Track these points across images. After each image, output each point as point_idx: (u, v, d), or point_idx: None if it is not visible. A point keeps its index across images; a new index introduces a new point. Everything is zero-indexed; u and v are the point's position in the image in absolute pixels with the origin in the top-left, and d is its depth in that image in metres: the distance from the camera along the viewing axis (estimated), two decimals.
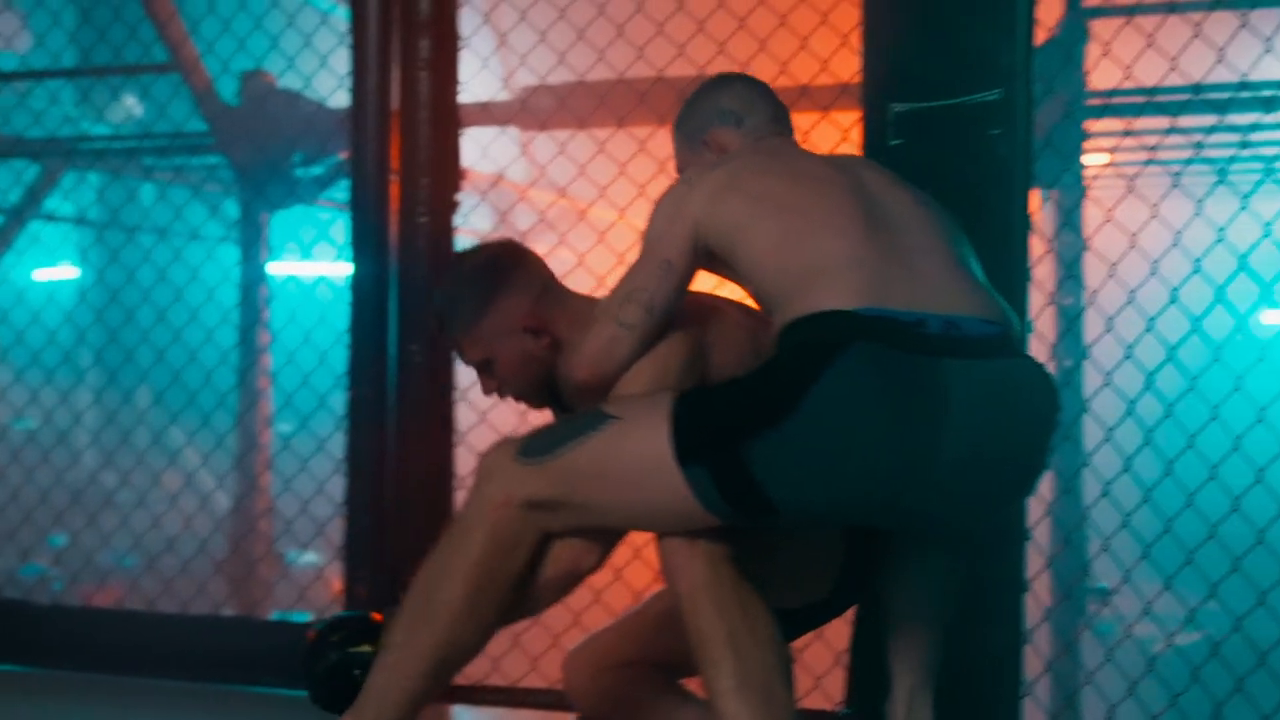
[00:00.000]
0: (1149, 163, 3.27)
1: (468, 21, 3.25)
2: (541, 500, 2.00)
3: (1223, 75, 2.63)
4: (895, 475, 1.87)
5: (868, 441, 1.84)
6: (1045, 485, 2.74)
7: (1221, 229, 2.55)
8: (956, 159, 2.51)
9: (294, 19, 3.67)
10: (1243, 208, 2.63)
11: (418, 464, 3.06)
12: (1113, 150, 4.97)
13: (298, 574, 4.10)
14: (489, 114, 3.44)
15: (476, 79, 3.42)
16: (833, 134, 2.88)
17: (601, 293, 2.19)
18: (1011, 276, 2.46)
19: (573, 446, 1.97)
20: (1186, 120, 2.85)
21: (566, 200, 3.59)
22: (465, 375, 3.11)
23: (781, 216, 2.02)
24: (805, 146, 2.96)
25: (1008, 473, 1.97)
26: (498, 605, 2.04)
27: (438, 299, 2.31)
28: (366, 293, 3.06)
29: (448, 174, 3.03)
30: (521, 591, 2.06)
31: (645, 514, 1.99)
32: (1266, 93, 2.61)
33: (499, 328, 2.23)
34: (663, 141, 3.10)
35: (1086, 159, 5.70)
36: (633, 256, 3.13)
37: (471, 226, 4.66)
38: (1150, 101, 2.68)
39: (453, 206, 3.04)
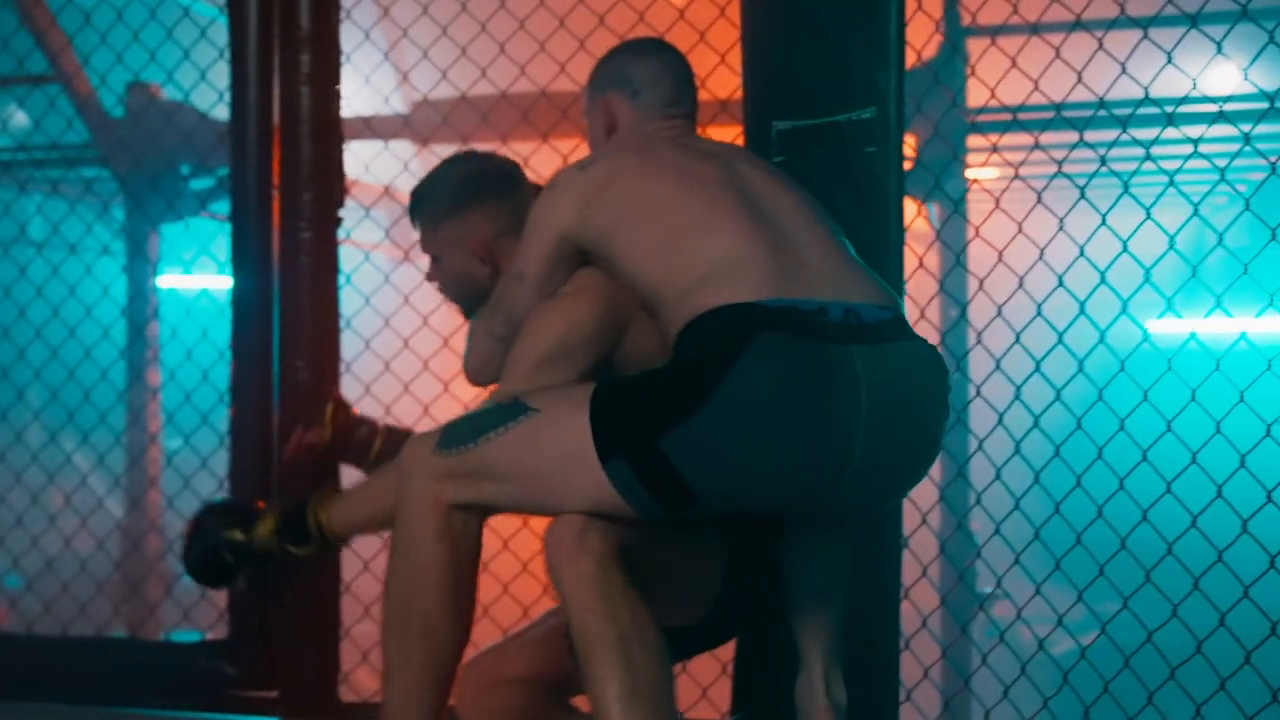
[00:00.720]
0: (1046, 177, 3.31)
1: (358, 35, 3.25)
2: (465, 501, 2.04)
3: (1127, 90, 2.70)
4: (814, 460, 1.91)
5: (785, 428, 1.89)
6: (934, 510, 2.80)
7: (1081, 246, 2.63)
8: (836, 175, 2.54)
9: (175, 29, 3.62)
10: (1141, 223, 2.69)
11: (303, 482, 3.03)
12: (1019, 164, 5.07)
13: (185, 593, 4.03)
14: (374, 128, 3.42)
15: (363, 93, 3.42)
16: None
17: None
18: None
19: (491, 438, 2.00)
20: (1090, 135, 2.91)
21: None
22: (351, 391, 3.10)
23: (661, 218, 2.06)
24: None
25: (910, 455, 2.02)
26: (471, 588, 2.11)
27: (422, 181, 2.39)
28: (248, 308, 3.03)
29: (330, 188, 3.01)
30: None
31: (562, 505, 1.99)
32: (1120, 111, 2.69)
33: (454, 237, 2.34)
34: (546, 157, 3.14)
35: (984, 171, 5.82)
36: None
37: (362, 238, 4.63)
38: (1014, 119, 2.74)
39: (335, 221, 3.03)
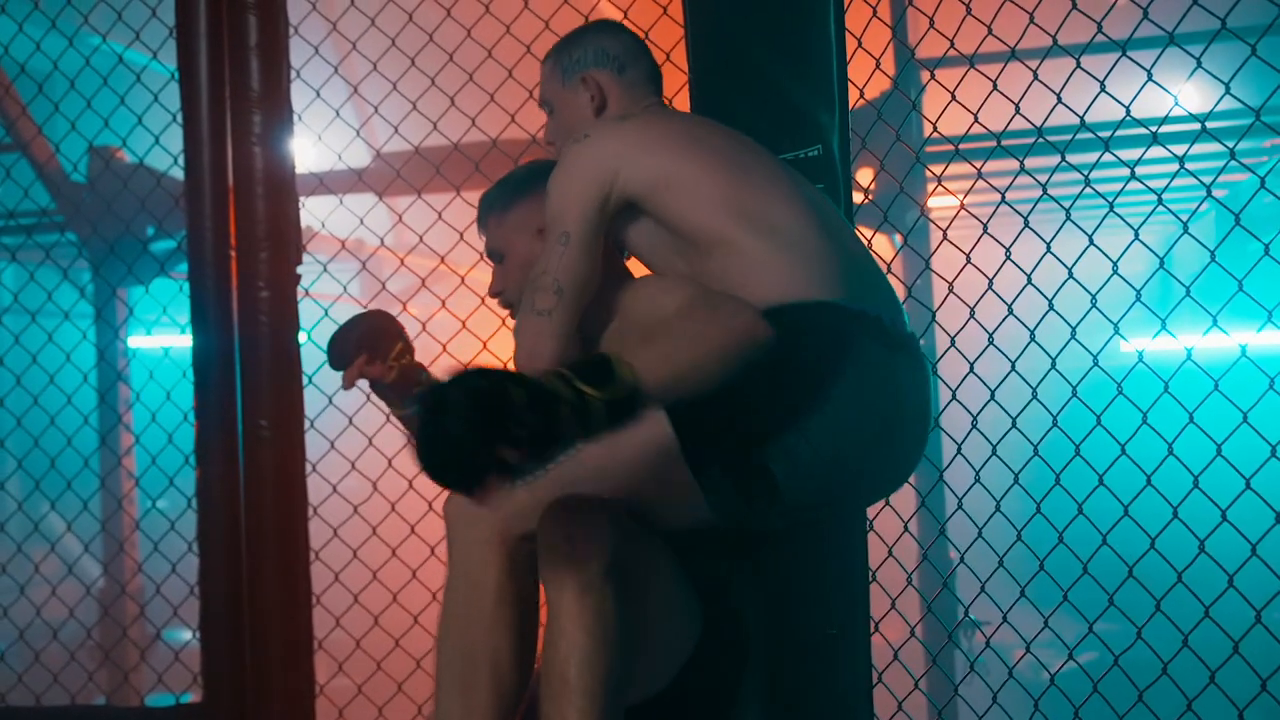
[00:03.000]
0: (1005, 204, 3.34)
1: (328, 90, 3.28)
2: (531, 530, 1.89)
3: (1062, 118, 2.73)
4: (889, 466, 1.98)
5: (875, 435, 1.92)
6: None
7: (1026, 272, 2.65)
8: None
9: (133, 90, 3.63)
10: (1084, 249, 2.72)
11: (271, 540, 3.03)
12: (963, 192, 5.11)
13: (166, 654, 4.01)
14: (328, 184, 3.43)
15: (320, 148, 3.43)
16: None
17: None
18: None
19: (563, 460, 1.76)
20: (1030, 161, 2.94)
21: (447, 265, 3.62)
22: (315, 448, 3.11)
23: (716, 172, 2.02)
24: None
25: (914, 459, 2.07)
26: (535, 627, 2.00)
27: (489, 189, 2.32)
28: (210, 369, 3.03)
29: (286, 246, 3.02)
30: None
31: (634, 505, 1.91)
32: (1054, 137, 2.73)
33: (520, 222, 2.21)
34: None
35: (934, 200, 5.87)
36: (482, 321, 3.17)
37: (321, 290, 4.64)
38: (956, 150, 2.77)
39: (294, 279, 3.03)
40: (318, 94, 3.25)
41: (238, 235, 3.02)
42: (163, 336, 5.57)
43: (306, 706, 3.05)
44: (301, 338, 3.06)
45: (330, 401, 3.19)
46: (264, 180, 3.00)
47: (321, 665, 3.11)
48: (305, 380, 3.07)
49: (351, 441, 3.30)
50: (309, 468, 3.07)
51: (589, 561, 1.82)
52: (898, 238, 5.21)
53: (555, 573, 1.83)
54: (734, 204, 1.99)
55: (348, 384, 2.42)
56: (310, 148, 3.36)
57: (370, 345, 2.38)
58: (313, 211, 3.29)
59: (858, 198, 4.19)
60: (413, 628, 3.13)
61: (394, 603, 3.21)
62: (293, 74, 3.04)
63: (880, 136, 3.31)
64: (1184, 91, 2.87)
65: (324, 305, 3.44)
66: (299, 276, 3.03)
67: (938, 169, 2.94)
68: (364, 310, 2.48)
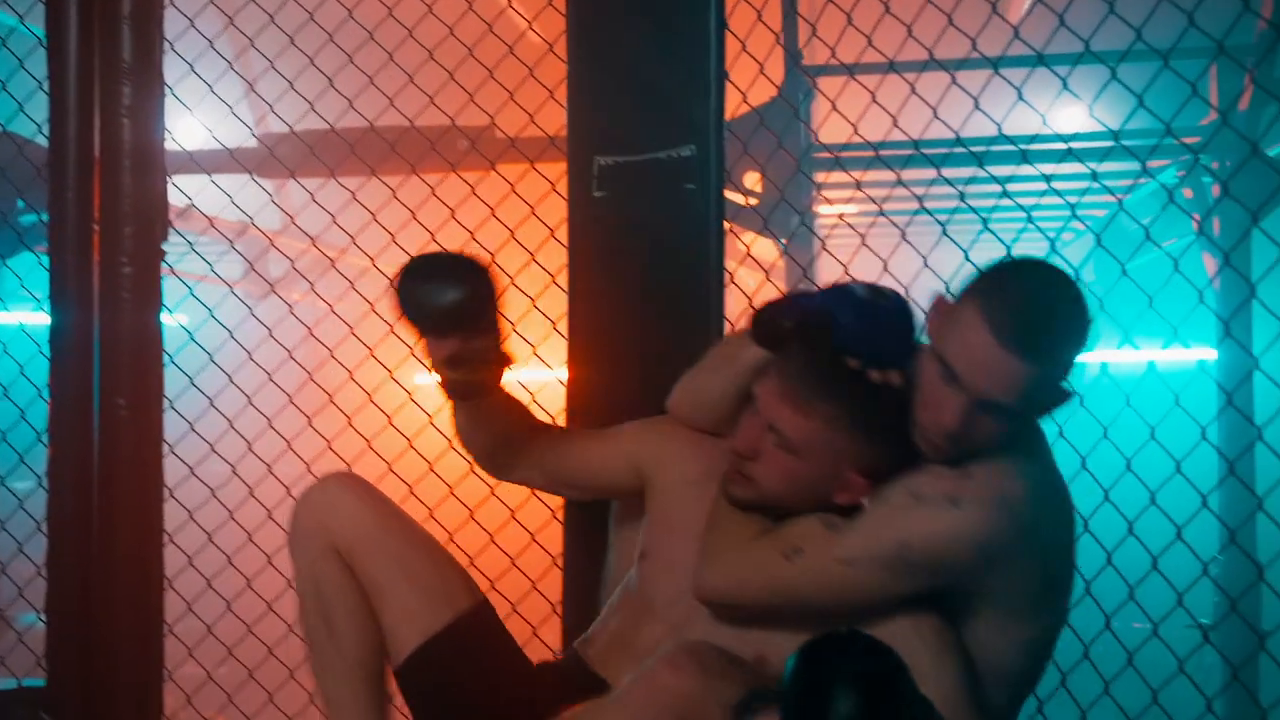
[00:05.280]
0: (908, 213, 3.36)
1: (216, 69, 3.21)
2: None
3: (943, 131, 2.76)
4: None
5: None
6: None
7: (903, 284, 2.68)
8: (656, 211, 2.57)
9: None
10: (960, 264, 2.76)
11: (124, 521, 2.96)
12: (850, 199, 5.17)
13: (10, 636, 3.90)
14: (201, 162, 3.37)
15: (222, 127, 3.37)
16: (541, 185, 2.92)
17: None
18: (708, 324, 2.53)
19: None
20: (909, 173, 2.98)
21: (318, 248, 3.56)
22: (174, 429, 3.04)
23: None
24: (514, 197, 3.01)
25: None
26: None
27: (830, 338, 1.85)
28: (67, 345, 2.95)
29: (153, 222, 2.95)
30: None
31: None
32: (940, 150, 2.77)
33: (843, 445, 1.85)
34: (415, 189, 3.13)
35: (820, 209, 5.93)
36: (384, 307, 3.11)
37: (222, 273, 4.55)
38: (836, 160, 2.80)
39: (158, 255, 2.97)
40: (191, 67, 3.18)
41: (102, 209, 2.95)
42: (20, 313, 5.41)
43: (155, 693, 2.99)
44: (165, 317, 3.00)
45: (191, 382, 3.13)
46: (131, 154, 2.93)
47: (171, 651, 3.04)
48: (166, 360, 3.00)
49: (212, 424, 3.23)
50: (166, 449, 3.00)
51: None
52: (784, 241, 5.26)
53: None
54: None
55: None
56: (216, 125, 3.31)
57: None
58: (216, 192, 3.25)
59: (746, 201, 4.24)
60: (266, 615, 3.07)
61: (248, 588, 3.15)
62: (167, 46, 2.98)
63: (770, 142, 3.32)
64: (1101, 108, 2.88)
65: (189, 284, 3.37)
66: (164, 253, 2.97)
67: (829, 176, 2.97)
68: None
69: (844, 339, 1.84)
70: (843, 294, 1.89)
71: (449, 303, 1.86)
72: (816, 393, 1.84)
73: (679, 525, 2.01)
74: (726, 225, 2.74)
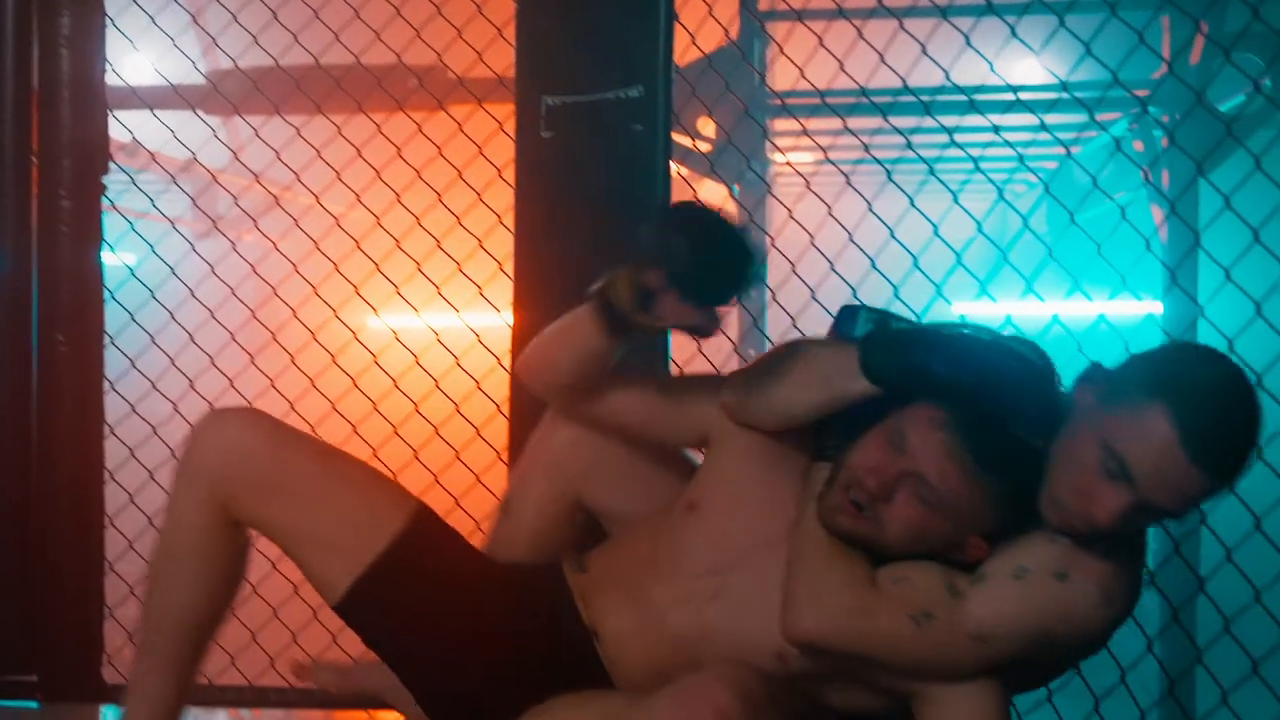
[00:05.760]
0: (851, 162, 3.38)
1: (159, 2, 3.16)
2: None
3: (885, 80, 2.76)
4: None
5: None
6: None
7: (848, 230, 2.69)
8: (603, 152, 2.56)
9: None
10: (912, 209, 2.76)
11: (64, 458, 2.94)
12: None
13: None
14: (140, 97, 3.32)
15: (166, 61, 3.32)
16: (488, 125, 2.90)
17: None
18: None
19: None
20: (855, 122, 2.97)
21: (262, 185, 3.51)
22: (114, 365, 3.01)
23: None
24: (461, 138, 2.98)
25: None
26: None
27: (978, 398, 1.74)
28: (4, 278, 2.91)
29: (92, 155, 2.91)
30: None
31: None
32: (905, 99, 2.76)
33: (973, 515, 1.76)
34: (360, 126, 3.09)
35: (776, 157, 5.92)
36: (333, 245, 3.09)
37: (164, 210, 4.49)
38: (783, 105, 2.79)
39: (99, 189, 2.93)
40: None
41: (40, 142, 2.90)
42: None
43: (96, 630, 2.98)
44: (108, 255, 2.97)
45: (132, 318, 3.09)
46: (70, 86, 2.89)
47: (112, 587, 3.02)
48: (107, 296, 2.97)
49: (154, 361, 3.20)
50: (107, 386, 2.98)
51: None
52: (736, 186, 5.26)
53: None
54: None
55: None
56: (159, 59, 3.26)
57: None
58: (160, 127, 3.20)
59: (694, 145, 4.22)
60: None
61: None
62: None
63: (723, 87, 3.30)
64: (1052, 58, 2.87)
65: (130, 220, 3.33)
66: (104, 187, 2.93)
67: (780, 124, 2.96)
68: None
69: (1012, 410, 1.74)
70: (1004, 353, 1.76)
71: (735, 282, 1.78)
72: (992, 467, 1.73)
73: (737, 492, 1.91)
74: (682, 171, 2.75)
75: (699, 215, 1.79)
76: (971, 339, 1.79)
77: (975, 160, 2.74)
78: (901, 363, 1.76)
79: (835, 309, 1.97)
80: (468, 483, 2.94)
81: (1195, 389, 1.64)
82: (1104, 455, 1.65)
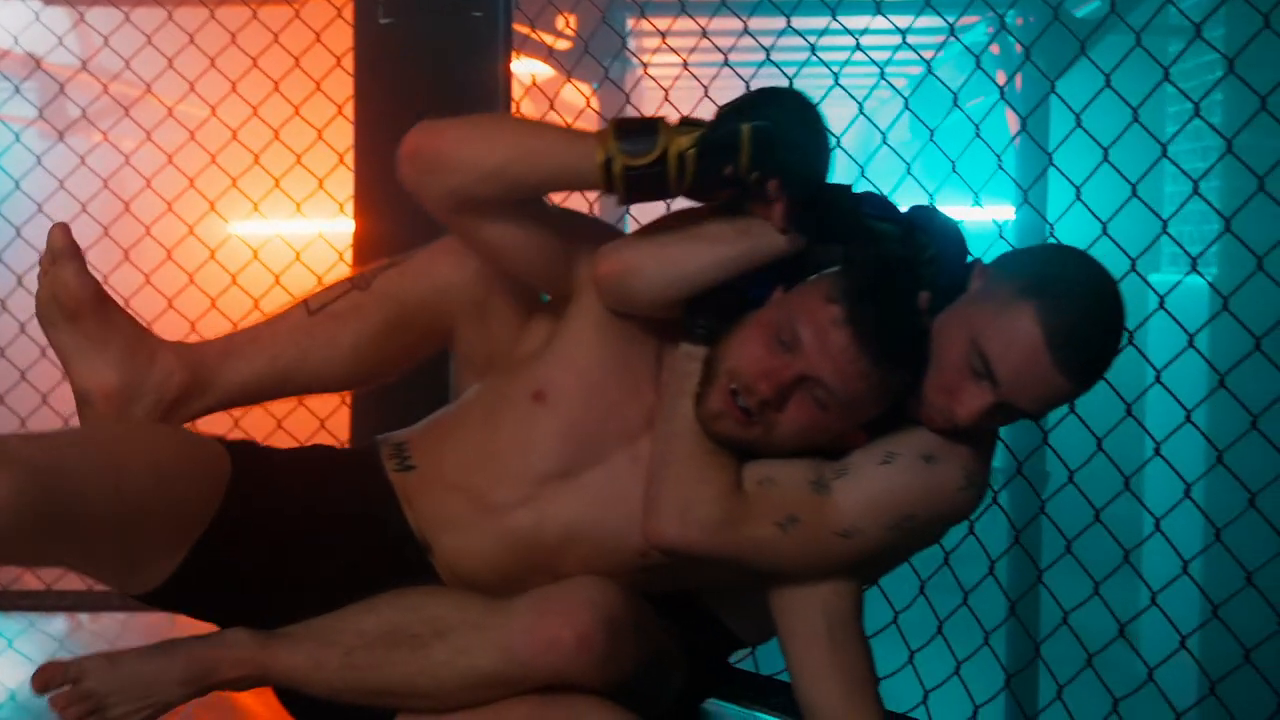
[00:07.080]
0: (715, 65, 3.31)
1: None
2: None
3: None
4: None
5: None
6: None
7: None
8: (442, 38, 2.51)
9: None
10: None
11: None
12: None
13: None
14: None
15: None
16: (327, 12, 2.81)
17: None
18: None
19: None
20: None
21: (110, 95, 3.35)
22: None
23: None
24: (299, 25, 2.87)
25: None
26: None
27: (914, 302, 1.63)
28: None
29: None
30: None
31: None
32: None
33: (864, 410, 1.63)
34: (215, 33, 2.95)
35: (661, 57, 5.82)
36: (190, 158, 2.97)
37: (11, 113, 4.29)
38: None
39: None
40: None
41: None
42: None
43: None
44: None
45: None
46: None
47: None
48: None
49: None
50: None
51: None
52: (596, 85, 5.16)
53: None
54: None
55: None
56: None
57: None
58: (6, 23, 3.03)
59: (554, 42, 4.12)
60: None
61: None
62: None
63: None
64: None
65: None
66: None
67: (639, 23, 2.88)
68: None
69: (930, 279, 1.63)
70: (927, 214, 1.67)
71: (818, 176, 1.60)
72: (890, 360, 1.60)
73: (590, 379, 1.74)
74: (549, 69, 2.65)
75: (797, 102, 1.59)
76: (912, 210, 1.70)
77: (835, 74, 2.70)
78: (831, 210, 1.64)
79: None
80: (312, 426, 2.83)
81: (1065, 289, 1.59)
82: (971, 353, 1.60)
